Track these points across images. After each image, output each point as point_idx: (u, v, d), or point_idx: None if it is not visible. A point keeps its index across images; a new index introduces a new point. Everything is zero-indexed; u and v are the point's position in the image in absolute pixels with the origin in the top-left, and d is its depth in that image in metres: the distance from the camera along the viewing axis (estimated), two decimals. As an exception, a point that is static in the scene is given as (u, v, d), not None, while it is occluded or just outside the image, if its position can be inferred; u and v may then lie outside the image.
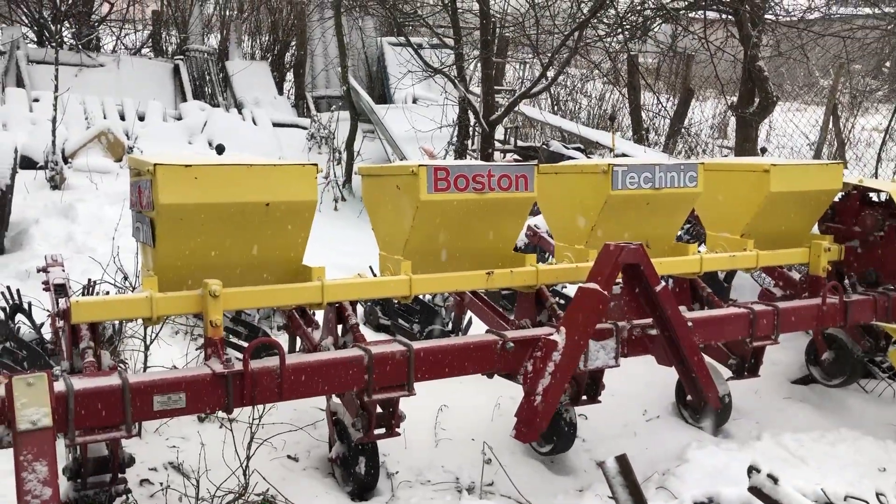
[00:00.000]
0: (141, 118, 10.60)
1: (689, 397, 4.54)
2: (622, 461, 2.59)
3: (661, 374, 4.47)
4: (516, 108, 8.94)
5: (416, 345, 3.41)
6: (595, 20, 7.47)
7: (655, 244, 4.29)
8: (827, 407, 5.00)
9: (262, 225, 3.31)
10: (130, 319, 3.72)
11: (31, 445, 2.54)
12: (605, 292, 3.51)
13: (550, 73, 7.79)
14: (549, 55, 7.55)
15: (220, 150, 3.60)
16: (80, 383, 2.82)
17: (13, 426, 2.57)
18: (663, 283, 3.70)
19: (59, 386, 2.77)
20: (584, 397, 3.97)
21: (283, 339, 4.28)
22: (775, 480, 2.77)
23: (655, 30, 9.40)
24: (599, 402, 4.01)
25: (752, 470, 2.87)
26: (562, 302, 5.14)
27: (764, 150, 5.70)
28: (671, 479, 3.85)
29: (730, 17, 8.69)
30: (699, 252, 4.49)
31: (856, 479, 4.01)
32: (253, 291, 3.30)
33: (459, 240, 3.82)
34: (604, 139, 8.95)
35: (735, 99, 8.95)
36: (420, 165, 3.56)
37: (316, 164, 3.41)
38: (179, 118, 10.96)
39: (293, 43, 14.35)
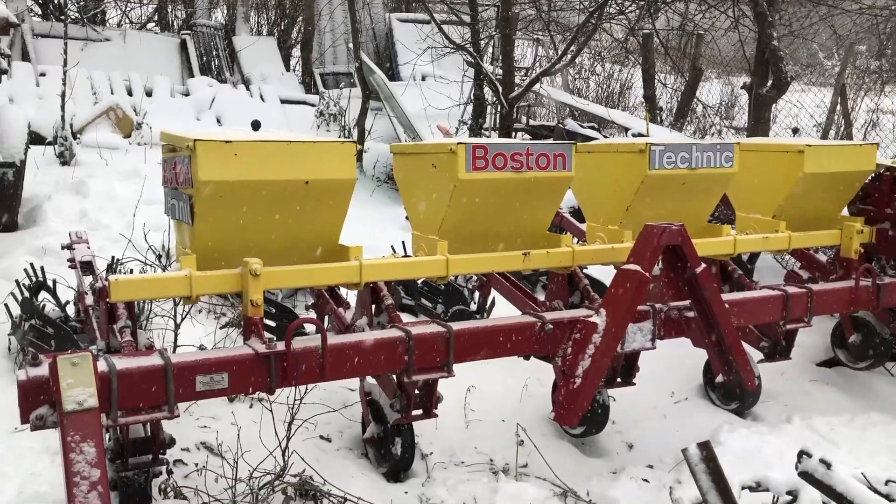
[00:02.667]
0: (148, 94, 10.46)
1: (717, 379, 4.51)
2: (706, 448, 2.54)
3: (688, 355, 4.43)
4: (541, 91, 8.80)
5: (456, 326, 3.36)
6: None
7: (689, 224, 4.21)
8: (854, 390, 4.98)
9: (301, 203, 3.24)
10: (169, 298, 3.66)
11: (78, 426, 2.49)
12: (647, 273, 3.46)
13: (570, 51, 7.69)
14: (572, 32, 7.44)
15: (255, 126, 3.52)
16: (122, 363, 2.77)
17: (59, 407, 2.52)
18: (704, 265, 3.65)
19: (101, 366, 2.72)
20: (619, 380, 3.93)
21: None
22: (828, 465, 2.74)
23: (668, 7, 9.28)
24: (634, 384, 3.98)
25: (802, 454, 2.83)
26: (586, 282, 5.09)
27: (796, 131, 5.64)
28: (706, 461, 3.82)
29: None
30: (732, 233, 4.44)
31: (890, 463, 3.99)
32: (292, 271, 3.24)
33: (496, 220, 3.76)
34: (631, 122, 8.88)
35: (747, 79, 8.86)
36: (459, 143, 3.49)
37: (355, 142, 3.34)
38: (187, 94, 10.82)
39: (300, 18, 14.17)
